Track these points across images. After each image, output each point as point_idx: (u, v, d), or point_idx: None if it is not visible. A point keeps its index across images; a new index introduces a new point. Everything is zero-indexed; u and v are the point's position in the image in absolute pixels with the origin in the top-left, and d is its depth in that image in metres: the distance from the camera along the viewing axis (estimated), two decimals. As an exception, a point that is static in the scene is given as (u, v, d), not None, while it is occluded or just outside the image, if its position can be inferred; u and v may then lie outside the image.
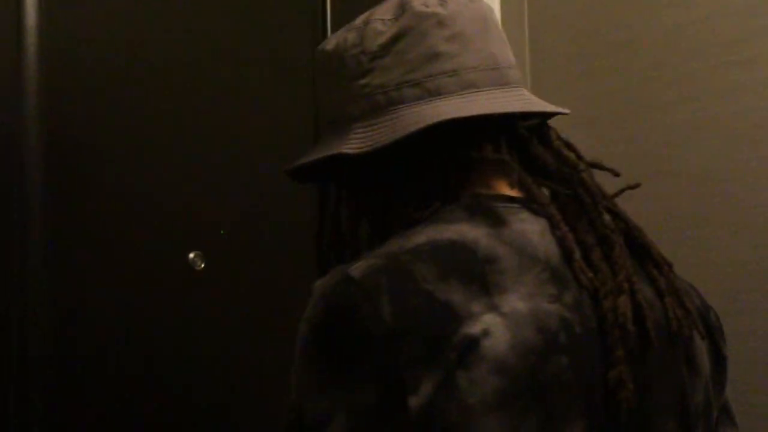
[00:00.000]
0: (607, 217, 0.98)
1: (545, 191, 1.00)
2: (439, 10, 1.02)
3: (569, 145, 1.05)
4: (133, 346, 1.62)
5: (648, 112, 2.02)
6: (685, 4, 2.00)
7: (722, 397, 1.09)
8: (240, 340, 1.77)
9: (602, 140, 2.08)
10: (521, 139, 1.02)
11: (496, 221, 0.94)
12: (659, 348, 0.96)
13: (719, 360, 1.08)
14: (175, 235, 1.69)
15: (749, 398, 1.82)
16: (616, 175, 1.07)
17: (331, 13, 1.99)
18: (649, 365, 0.95)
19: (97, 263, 1.58)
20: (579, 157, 1.04)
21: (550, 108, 1.03)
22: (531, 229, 0.95)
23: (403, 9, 1.02)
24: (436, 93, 0.99)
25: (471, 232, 0.92)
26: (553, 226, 0.96)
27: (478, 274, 0.88)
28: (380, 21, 1.02)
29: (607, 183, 1.07)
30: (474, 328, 0.85)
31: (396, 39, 1.01)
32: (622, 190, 1.09)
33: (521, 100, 1.01)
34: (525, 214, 0.97)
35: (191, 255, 1.70)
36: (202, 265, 1.71)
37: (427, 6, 1.02)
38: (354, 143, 0.99)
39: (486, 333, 0.85)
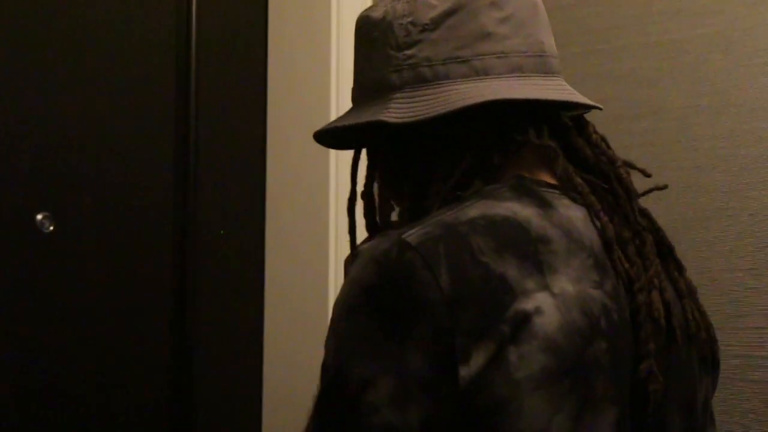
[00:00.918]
0: (637, 215, 1.01)
1: (582, 182, 1.02)
2: None
3: (605, 140, 1.08)
4: (-27, 311, 1.54)
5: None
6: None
7: (712, 398, 1.14)
8: (92, 307, 1.72)
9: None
10: (563, 128, 1.04)
11: (544, 203, 0.96)
12: (680, 346, 0.99)
13: (715, 364, 1.12)
14: (20, 194, 1.62)
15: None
16: (647, 175, 1.10)
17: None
18: (670, 361, 0.98)
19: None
20: (613, 152, 1.07)
21: (589, 101, 1.05)
22: (575, 215, 0.97)
23: None
24: (483, 72, 1.00)
25: (523, 211, 0.93)
26: (594, 215, 0.99)
27: (532, 252, 0.90)
28: None
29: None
30: (528, 305, 0.87)
31: (448, 14, 1.02)
32: (651, 190, 1.12)
33: (564, 90, 1.03)
34: (567, 201, 0.99)
35: (39, 216, 1.64)
36: (51, 228, 1.65)
37: None
38: (395, 112, 1.00)
39: (538, 311, 0.87)
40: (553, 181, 1.02)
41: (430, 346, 0.83)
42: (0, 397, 1.58)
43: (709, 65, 1.90)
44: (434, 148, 1.02)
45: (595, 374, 0.89)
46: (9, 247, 1.59)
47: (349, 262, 1.17)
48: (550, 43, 1.06)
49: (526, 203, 0.95)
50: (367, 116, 1.02)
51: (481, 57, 1.00)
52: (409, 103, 1.00)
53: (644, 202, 1.10)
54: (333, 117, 1.99)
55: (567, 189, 1.01)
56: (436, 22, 1.02)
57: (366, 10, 1.08)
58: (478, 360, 0.84)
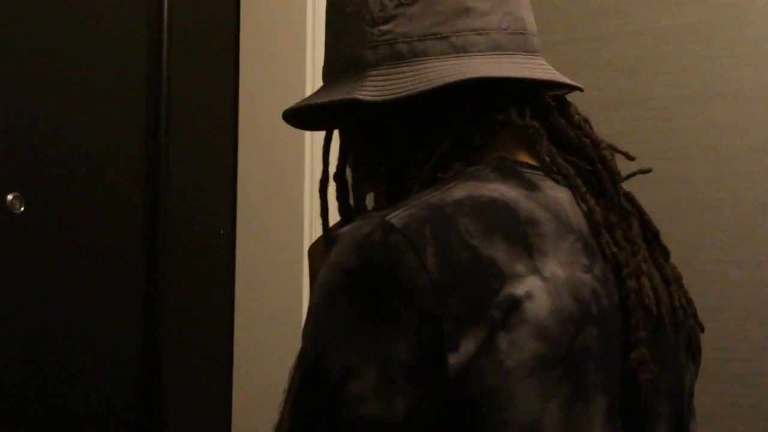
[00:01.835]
0: (623, 198, 0.99)
1: (566, 164, 0.99)
2: None
3: (588, 122, 1.05)
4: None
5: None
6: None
7: (694, 387, 1.13)
8: (62, 289, 1.66)
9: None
10: (545, 108, 1.01)
11: (530, 185, 0.93)
12: (668, 333, 0.97)
13: (698, 351, 1.11)
14: (-10, 173, 1.55)
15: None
16: (631, 158, 1.07)
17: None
18: (657, 349, 0.96)
19: None
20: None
21: (571, 82, 1.03)
22: (561, 196, 0.95)
23: None
24: (462, 50, 0.97)
25: (509, 192, 0.91)
26: (580, 198, 0.96)
27: (521, 235, 0.87)
28: None
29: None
30: (518, 289, 0.84)
31: None
32: (635, 173, 1.10)
33: (546, 69, 1.01)
34: (551, 182, 0.96)
35: (9, 197, 1.58)
36: (22, 209, 1.60)
37: None
38: (370, 90, 0.96)
39: (529, 295, 0.84)
40: (534, 163, 1.00)
41: (417, 334, 0.80)
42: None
43: (691, 55, 1.89)
44: (412, 128, 0.99)
45: (587, 361, 0.87)
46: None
47: (316, 247, 1.14)
48: (530, 20, 1.03)
49: (513, 184, 0.92)
50: (340, 94, 0.98)
51: (460, 33, 0.97)
52: (385, 80, 0.96)
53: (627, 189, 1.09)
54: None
55: (550, 171, 0.98)
56: None
57: None
58: (468, 347, 0.81)
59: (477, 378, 0.81)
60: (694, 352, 1.04)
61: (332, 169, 1.09)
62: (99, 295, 1.73)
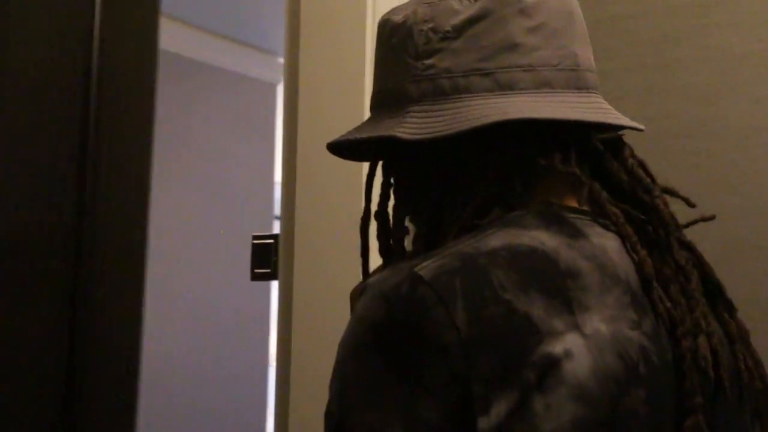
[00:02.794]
0: (680, 249, 0.93)
1: (617, 211, 0.93)
2: None
3: (643, 165, 0.98)
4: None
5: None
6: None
7: None
8: None
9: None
10: (594, 151, 0.95)
11: (574, 232, 0.88)
12: (729, 397, 0.91)
13: (765, 417, 1.02)
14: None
15: None
16: (692, 206, 1.01)
17: None
18: (717, 414, 0.89)
19: None
20: (653, 180, 0.97)
21: (627, 122, 0.96)
22: (608, 244, 0.89)
23: None
24: (507, 87, 0.92)
25: (550, 240, 0.85)
26: (631, 248, 0.90)
27: (561, 288, 0.82)
28: None
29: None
30: (556, 348, 0.79)
31: (472, 21, 0.94)
32: (695, 221, 1.03)
33: (598, 108, 0.95)
34: (599, 229, 0.91)
35: None
36: None
37: None
38: (409, 128, 0.92)
39: (568, 354, 0.79)
40: (584, 207, 0.95)
41: (444, 394, 0.76)
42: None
43: (771, 82, 1.78)
44: (452, 169, 0.95)
45: (633, 425, 0.81)
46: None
47: (357, 294, 1.08)
48: (586, 56, 0.97)
49: (554, 232, 0.87)
50: (381, 130, 0.94)
51: (506, 70, 0.93)
52: (425, 117, 0.92)
53: (693, 229, 1.00)
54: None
55: (601, 216, 0.93)
56: (459, 30, 0.94)
57: (388, 12, 1.01)
58: (499, 410, 0.76)
59: None
60: (762, 417, 0.95)
61: (374, 206, 1.04)
62: (21, 305, 1.66)
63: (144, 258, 1.95)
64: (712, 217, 1.03)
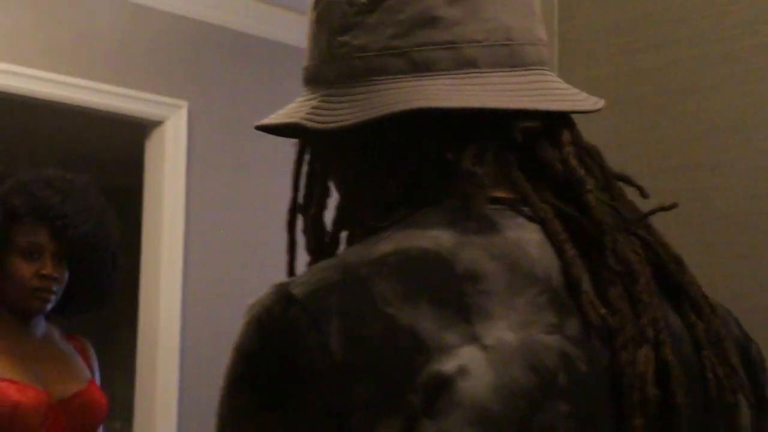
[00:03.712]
0: (625, 247, 0.80)
1: (546, 206, 0.82)
2: None
3: (588, 152, 0.85)
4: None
5: (689, 95, 1.65)
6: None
7: None
8: None
9: (637, 125, 1.70)
10: (523, 140, 0.83)
11: (484, 227, 0.77)
12: (690, 416, 0.79)
13: (762, 406, 0.90)
14: None
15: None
16: (645, 196, 0.89)
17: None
18: None
19: None
20: (602, 167, 0.86)
21: (569, 105, 0.83)
22: (529, 238, 0.78)
23: None
24: (424, 68, 0.81)
25: (450, 240, 0.75)
26: (558, 246, 0.78)
27: (456, 295, 0.72)
28: None
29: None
30: (447, 365, 0.69)
31: None
32: (653, 211, 0.88)
33: (533, 89, 0.83)
34: (522, 220, 0.80)
35: None
36: None
37: None
38: (317, 114, 0.83)
39: (463, 371, 0.69)
40: (510, 196, 0.83)
41: (318, 426, 0.68)
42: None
43: None
44: (361, 163, 0.85)
45: None
46: None
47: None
48: (524, 27, 0.85)
49: (459, 229, 0.77)
50: (289, 116, 0.85)
51: (422, 48, 0.81)
52: (336, 103, 0.83)
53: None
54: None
55: (525, 202, 0.82)
56: (375, 2, 0.83)
57: None
58: None
59: None
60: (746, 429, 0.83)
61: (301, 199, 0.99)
62: None
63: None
64: (673, 206, 0.91)
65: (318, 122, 0.82)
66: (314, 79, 0.86)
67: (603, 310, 0.76)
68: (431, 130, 0.82)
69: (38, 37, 3.47)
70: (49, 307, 2.20)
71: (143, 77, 3.79)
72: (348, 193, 0.86)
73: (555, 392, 0.71)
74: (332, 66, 0.84)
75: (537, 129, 0.82)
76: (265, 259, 4.24)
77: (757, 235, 1.50)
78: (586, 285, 0.77)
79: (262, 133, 4.08)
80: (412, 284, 0.71)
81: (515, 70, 0.83)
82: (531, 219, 0.80)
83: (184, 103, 3.99)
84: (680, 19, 1.68)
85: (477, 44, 0.82)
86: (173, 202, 3.91)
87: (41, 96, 3.54)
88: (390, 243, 0.75)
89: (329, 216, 3.06)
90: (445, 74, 0.81)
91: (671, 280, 0.83)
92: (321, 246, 0.89)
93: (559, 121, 0.84)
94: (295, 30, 4.40)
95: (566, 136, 0.83)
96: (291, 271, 0.90)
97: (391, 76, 0.81)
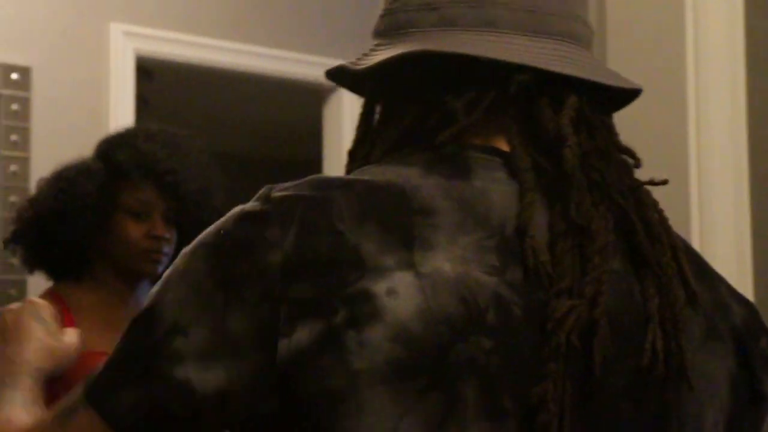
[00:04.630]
0: (592, 208, 0.83)
1: (527, 159, 0.86)
2: None
3: (590, 121, 0.87)
4: None
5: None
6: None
7: None
8: None
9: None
10: (519, 94, 0.86)
11: (455, 173, 0.84)
12: (613, 381, 0.81)
13: (755, 399, 0.90)
14: None
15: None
16: (636, 166, 0.90)
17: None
18: (601, 403, 0.80)
19: None
20: (606, 138, 0.88)
21: (575, 71, 0.86)
22: (497, 189, 0.84)
23: None
24: (449, 23, 0.88)
25: (417, 179, 0.83)
26: (521, 195, 0.83)
27: (405, 225, 0.79)
28: None
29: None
30: (377, 285, 0.76)
31: None
32: (640, 184, 0.89)
33: (541, 53, 0.87)
34: (501, 174, 0.85)
35: None
36: None
37: None
38: (359, 59, 0.92)
39: (391, 292, 0.76)
40: (503, 150, 0.88)
41: (255, 311, 0.77)
42: None
43: None
44: (383, 106, 0.93)
45: (468, 378, 0.76)
46: None
47: None
48: (556, 1, 0.89)
49: (432, 170, 0.83)
50: (347, 62, 0.94)
51: (452, 5, 0.88)
52: (377, 50, 0.91)
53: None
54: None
55: (511, 160, 0.86)
56: None
57: None
58: (300, 336, 0.75)
59: (320, 377, 0.75)
60: (681, 416, 0.84)
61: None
62: None
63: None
64: (664, 182, 0.90)
65: (353, 65, 0.91)
66: (374, 31, 0.94)
67: (544, 258, 0.80)
68: (437, 76, 0.88)
69: (214, 6, 3.48)
70: (161, 270, 1.93)
71: (319, 42, 3.75)
72: (367, 133, 0.93)
73: (481, 328, 0.77)
74: (385, 19, 0.92)
75: (531, 83, 0.86)
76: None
77: None
78: (537, 233, 0.81)
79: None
80: (367, 208, 0.79)
81: (538, 36, 0.87)
82: (513, 174, 0.84)
83: (362, 65, 3.91)
84: None
85: (501, 6, 0.87)
86: (353, 170, 3.85)
87: (219, 65, 3.49)
88: (367, 174, 0.83)
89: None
90: (467, 30, 0.87)
91: (639, 252, 0.85)
92: None
93: (569, 87, 0.87)
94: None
95: (572, 100, 0.86)
96: None
97: (422, 29, 0.89)
